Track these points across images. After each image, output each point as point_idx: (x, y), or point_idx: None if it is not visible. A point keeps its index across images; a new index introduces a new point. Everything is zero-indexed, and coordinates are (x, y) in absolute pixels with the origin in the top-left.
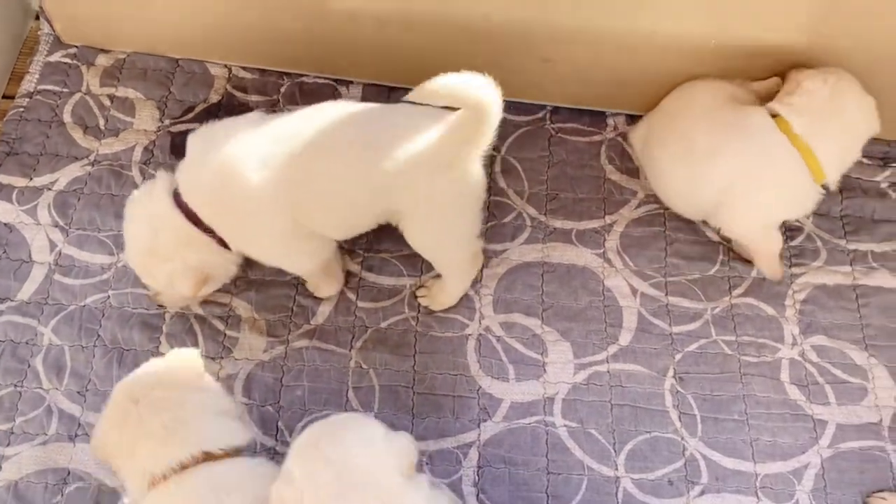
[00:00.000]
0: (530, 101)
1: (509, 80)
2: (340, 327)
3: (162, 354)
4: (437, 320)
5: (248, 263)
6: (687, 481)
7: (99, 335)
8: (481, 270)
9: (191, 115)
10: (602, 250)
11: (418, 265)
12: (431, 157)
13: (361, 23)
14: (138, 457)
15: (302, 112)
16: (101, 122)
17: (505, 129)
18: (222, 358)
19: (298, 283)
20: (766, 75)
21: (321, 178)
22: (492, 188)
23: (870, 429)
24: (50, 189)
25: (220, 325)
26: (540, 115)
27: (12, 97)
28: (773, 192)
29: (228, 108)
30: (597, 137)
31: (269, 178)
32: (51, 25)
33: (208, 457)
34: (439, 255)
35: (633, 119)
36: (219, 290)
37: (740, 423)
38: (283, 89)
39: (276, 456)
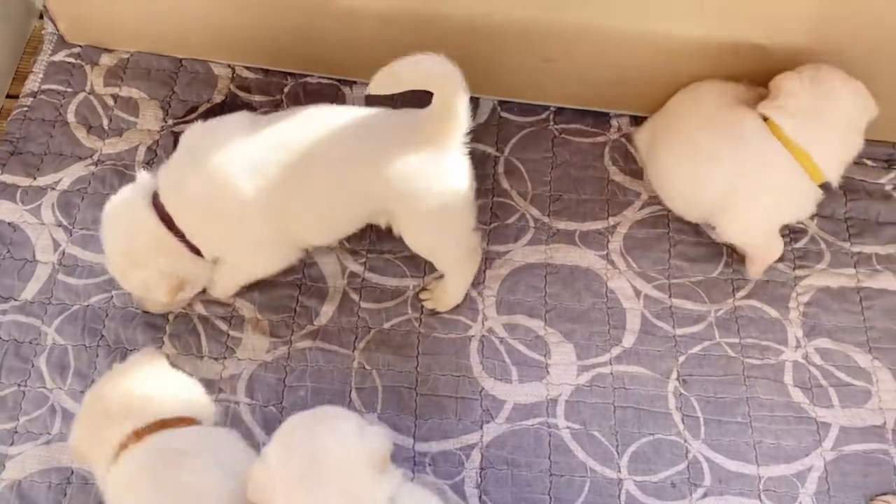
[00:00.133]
0: (533, 102)
1: (511, 80)
2: (343, 328)
3: (165, 355)
4: (440, 321)
5: None
6: (690, 484)
7: (102, 335)
8: (484, 272)
9: (194, 115)
10: (605, 252)
11: (421, 266)
12: (419, 149)
13: (364, 22)
14: (102, 438)
15: (289, 116)
16: (105, 122)
17: (508, 130)
18: (225, 358)
19: (302, 284)
20: (768, 77)
21: (315, 186)
22: (495, 189)
23: (873, 432)
24: (54, 189)
25: (223, 326)
26: (543, 115)
27: (16, 97)
28: (770, 196)
29: (232, 108)
30: (600, 138)
31: (260, 186)
32: (54, 25)
33: (164, 424)
34: (437, 252)
35: (636, 120)
36: None
37: (743, 425)
38: (286, 89)
39: None
